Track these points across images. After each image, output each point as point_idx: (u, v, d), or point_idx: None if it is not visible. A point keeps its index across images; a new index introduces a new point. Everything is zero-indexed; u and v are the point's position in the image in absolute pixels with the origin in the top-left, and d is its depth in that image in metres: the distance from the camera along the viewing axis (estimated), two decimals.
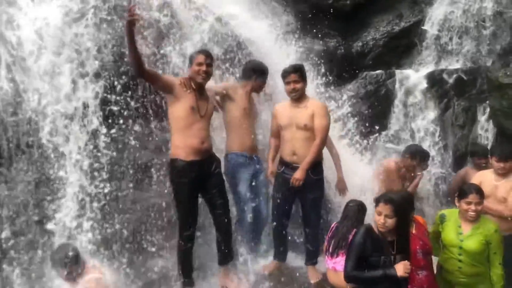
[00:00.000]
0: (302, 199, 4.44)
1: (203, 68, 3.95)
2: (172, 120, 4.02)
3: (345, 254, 3.46)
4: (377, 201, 3.18)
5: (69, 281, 3.60)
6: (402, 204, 3.06)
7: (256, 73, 4.61)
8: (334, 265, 3.74)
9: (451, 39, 6.44)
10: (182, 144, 3.93)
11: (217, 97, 4.51)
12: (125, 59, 4.17)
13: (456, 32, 6.42)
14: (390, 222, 3.06)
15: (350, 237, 3.60)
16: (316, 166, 4.32)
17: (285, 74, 4.34)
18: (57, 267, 3.64)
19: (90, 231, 3.98)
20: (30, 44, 4.09)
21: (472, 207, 3.51)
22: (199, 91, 4.02)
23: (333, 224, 4.09)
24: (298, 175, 4.19)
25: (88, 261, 3.76)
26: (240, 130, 4.50)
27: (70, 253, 3.60)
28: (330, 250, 3.78)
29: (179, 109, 3.93)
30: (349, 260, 3.17)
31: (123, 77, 4.21)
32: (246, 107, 4.53)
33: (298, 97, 4.33)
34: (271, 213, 4.55)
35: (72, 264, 3.58)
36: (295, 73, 4.30)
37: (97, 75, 4.13)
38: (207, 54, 4.04)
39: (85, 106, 4.08)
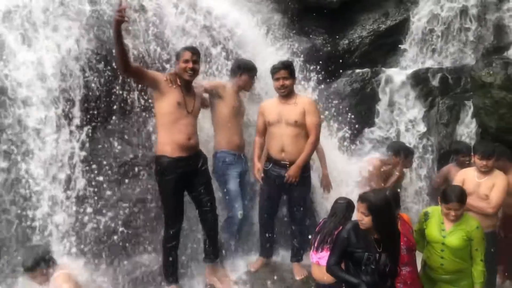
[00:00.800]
0: (289, 196, 4.44)
1: (190, 65, 3.93)
2: (158, 116, 3.98)
3: (326, 250, 3.61)
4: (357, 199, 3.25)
5: (41, 283, 3.49)
6: (376, 203, 3.07)
7: (241, 69, 4.60)
8: (319, 260, 3.76)
9: (436, 38, 6.51)
10: (168, 140, 3.90)
11: (206, 95, 4.49)
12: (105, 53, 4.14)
13: (441, 32, 6.49)
14: (366, 220, 3.11)
15: (336, 233, 3.63)
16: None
17: (275, 70, 4.33)
18: (28, 269, 3.50)
19: (71, 228, 3.93)
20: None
21: (452, 212, 3.58)
22: (186, 87, 3.99)
23: (321, 220, 4.12)
24: (292, 171, 4.19)
25: (60, 261, 3.67)
26: (228, 129, 4.49)
27: (42, 253, 3.52)
28: (316, 244, 3.81)
29: (165, 104, 3.90)
30: (332, 254, 3.27)
31: (106, 70, 4.17)
32: (234, 105, 4.52)
33: (287, 93, 4.33)
34: (259, 210, 4.55)
35: (43, 266, 3.47)
36: (285, 70, 4.29)
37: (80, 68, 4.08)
38: (194, 51, 4.02)
39: (67, 100, 4.03)
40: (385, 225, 3.08)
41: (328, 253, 3.48)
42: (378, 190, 3.43)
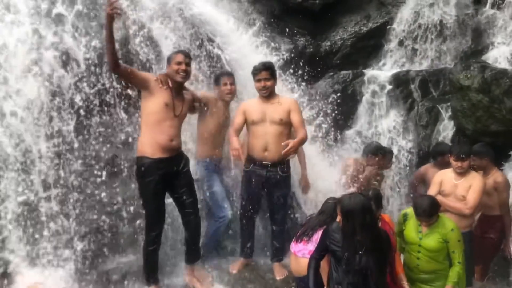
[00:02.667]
0: (269, 196, 4.46)
1: (183, 67, 3.93)
2: (143, 115, 3.95)
3: (305, 242, 3.72)
4: None
5: None
6: (348, 207, 3.12)
7: (220, 75, 4.68)
8: (296, 251, 3.83)
9: (416, 41, 6.61)
10: (149, 141, 3.87)
11: (196, 104, 4.45)
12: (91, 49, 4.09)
13: (420, 35, 6.59)
14: (339, 219, 3.23)
15: (322, 230, 3.68)
16: (284, 163, 4.36)
17: (256, 71, 4.34)
18: None
19: (50, 230, 3.88)
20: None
21: (423, 222, 3.67)
22: (176, 90, 3.97)
23: (309, 216, 4.15)
24: (292, 143, 4.04)
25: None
26: (212, 142, 4.56)
27: None
28: (297, 235, 3.87)
29: (152, 104, 3.87)
30: (315, 250, 3.43)
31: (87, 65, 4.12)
32: (221, 121, 4.58)
33: (269, 94, 4.34)
34: (240, 211, 4.56)
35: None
36: (266, 71, 4.31)
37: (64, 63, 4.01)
38: (186, 54, 4.05)
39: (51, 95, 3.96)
40: (362, 228, 3.10)
41: (305, 246, 3.65)
42: (357, 193, 3.45)
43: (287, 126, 4.31)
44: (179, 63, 3.93)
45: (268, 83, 4.31)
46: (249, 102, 4.52)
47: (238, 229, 4.65)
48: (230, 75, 4.71)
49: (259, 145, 4.32)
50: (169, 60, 4.02)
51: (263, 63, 4.39)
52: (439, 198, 4.09)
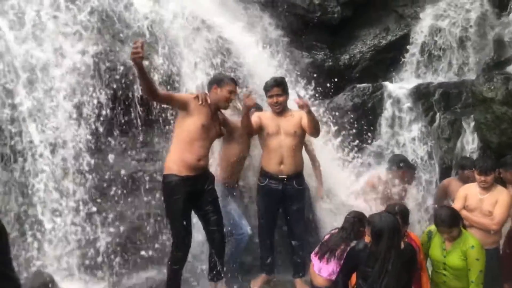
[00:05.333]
0: (286, 210, 4.44)
1: (233, 96, 4.00)
2: (177, 132, 3.97)
3: (326, 261, 3.69)
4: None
5: None
6: (381, 227, 3.11)
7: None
8: (317, 269, 3.79)
9: (436, 53, 6.53)
10: (178, 159, 3.88)
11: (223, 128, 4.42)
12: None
13: (441, 46, 6.52)
14: (368, 239, 3.23)
15: (343, 246, 3.67)
16: (299, 176, 4.37)
17: (268, 88, 4.36)
18: None
19: (73, 244, 3.91)
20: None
21: (445, 235, 3.55)
22: (213, 112, 4.00)
23: (331, 231, 4.10)
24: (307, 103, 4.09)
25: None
26: (231, 169, 4.56)
27: (46, 281, 3.46)
28: (319, 254, 3.82)
29: (188, 124, 3.88)
30: (342, 268, 3.42)
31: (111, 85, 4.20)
32: (244, 148, 4.57)
33: (281, 109, 4.34)
34: (258, 226, 4.53)
35: None
36: (278, 87, 4.32)
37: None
38: (237, 83, 4.12)
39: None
40: (391, 248, 3.07)
41: (327, 265, 3.64)
42: (387, 213, 3.40)
43: (301, 139, 4.34)
44: (231, 92, 3.97)
45: (280, 99, 4.32)
46: (263, 113, 4.52)
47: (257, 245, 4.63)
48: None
49: (274, 159, 4.32)
50: (219, 83, 4.00)
51: (274, 79, 4.39)
52: (464, 213, 4.00)
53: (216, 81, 4.05)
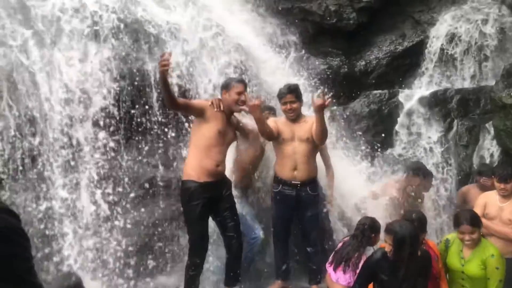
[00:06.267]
0: (301, 216, 4.42)
1: (243, 97, 3.99)
2: (194, 139, 4.01)
3: (342, 270, 3.68)
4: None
5: None
6: (402, 234, 3.11)
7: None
8: (333, 278, 3.77)
9: (454, 59, 6.47)
10: (197, 165, 3.91)
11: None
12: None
13: (458, 52, 6.45)
14: (388, 247, 3.19)
15: (356, 255, 3.66)
16: (313, 182, 4.37)
17: (281, 95, 4.37)
18: None
19: (92, 250, 3.95)
20: None
21: (466, 236, 3.47)
22: (227, 116, 4.03)
23: (344, 238, 4.08)
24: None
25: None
26: (245, 170, 4.57)
27: (73, 283, 3.50)
28: (333, 262, 3.81)
29: (205, 130, 3.91)
30: (359, 276, 3.38)
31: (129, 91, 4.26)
32: (258, 153, 4.57)
33: (295, 116, 4.35)
34: (272, 233, 4.53)
35: None
36: (291, 94, 4.33)
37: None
38: (246, 84, 4.13)
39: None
40: (411, 256, 3.06)
41: (344, 275, 3.62)
42: (406, 221, 3.38)
43: (315, 145, 4.32)
44: (239, 93, 3.97)
45: (294, 105, 4.33)
46: (279, 119, 4.52)
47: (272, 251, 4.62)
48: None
49: (288, 165, 4.32)
50: (227, 87, 4.04)
51: (288, 86, 4.39)
52: (484, 221, 3.93)
53: (224, 86, 4.09)
